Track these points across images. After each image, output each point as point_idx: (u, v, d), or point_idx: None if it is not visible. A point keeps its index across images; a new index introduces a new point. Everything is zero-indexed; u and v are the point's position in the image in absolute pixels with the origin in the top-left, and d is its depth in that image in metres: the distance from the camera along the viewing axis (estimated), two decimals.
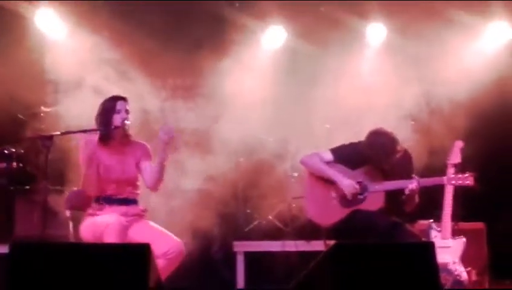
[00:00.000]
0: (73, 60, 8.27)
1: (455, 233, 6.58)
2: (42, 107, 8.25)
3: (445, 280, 6.33)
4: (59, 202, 6.57)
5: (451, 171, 6.40)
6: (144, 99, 6.17)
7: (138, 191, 5.94)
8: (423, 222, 6.95)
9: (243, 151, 8.39)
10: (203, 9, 8.63)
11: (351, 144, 6.31)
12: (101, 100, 5.90)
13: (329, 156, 6.25)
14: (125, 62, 7.99)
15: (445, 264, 6.38)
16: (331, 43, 8.41)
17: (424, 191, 6.06)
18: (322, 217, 6.23)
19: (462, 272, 6.42)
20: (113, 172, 5.81)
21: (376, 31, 8.88)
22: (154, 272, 4.47)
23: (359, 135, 6.37)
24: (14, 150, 8.00)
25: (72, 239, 5.91)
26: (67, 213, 6.03)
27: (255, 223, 8.52)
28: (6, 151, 7.98)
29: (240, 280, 7.90)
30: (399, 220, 5.95)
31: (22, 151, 8.04)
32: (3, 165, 7.95)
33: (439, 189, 6.44)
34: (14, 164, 7.99)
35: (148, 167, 5.87)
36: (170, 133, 5.67)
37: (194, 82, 8.73)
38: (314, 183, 6.30)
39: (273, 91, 8.60)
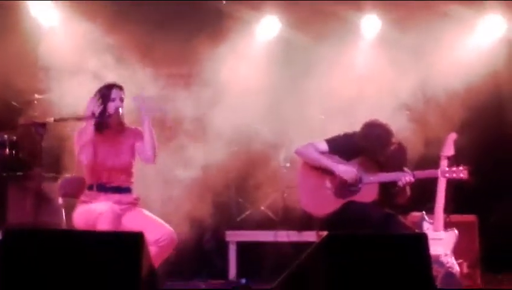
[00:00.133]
0: (67, 47, 8.25)
1: (447, 225, 6.60)
2: (36, 94, 8.22)
3: (437, 271, 6.35)
4: (52, 189, 6.57)
5: (444, 163, 6.41)
6: (139, 87, 6.15)
7: (132, 180, 5.94)
8: (416, 214, 6.97)
9: (236, 141, 8.37)
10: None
11: (346, 135, 6.31)
12: (95, 87, 5.89)
13: (324, 147, 6.25)
14: (119, 49, 7.95)
15: (437, 256, 6.40)
16: (325, 34, 8.39)
17: (416, 183, 6.08)
18: (315, 207, 6.24)
19: (453, 264, 6.45)
20: (107, 160, 5.81)
21: (371, 23, 8.86)
22: (147, 260, 4.47)
23: (353, 125, 6.37)
24: (7, 136, 7.97)
25: (64, 226, 5.90)
26: (60, 200, 6.02)
27: (247, 213, 8.52)
28: None
29: (232, 270, 7.91)
30: (392, 211, 5.97)
31: (15, 138, 8.01)
32: None
33: (432, 181, 6.45)
34: (7, 150, 7.95)
35: (142, 143, 5.88)
36: (145, 101, 5.79)
37: (188, 71, 8.70)
38: (308, 174, 6.30)
39: (267, 82, 8.57)
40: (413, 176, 6.00)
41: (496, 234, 7.97)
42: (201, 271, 7.91)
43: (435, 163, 6.38)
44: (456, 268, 6.42)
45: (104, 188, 5.78)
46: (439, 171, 6.22)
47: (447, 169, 6.19)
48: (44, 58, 8.23)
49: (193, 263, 7.83)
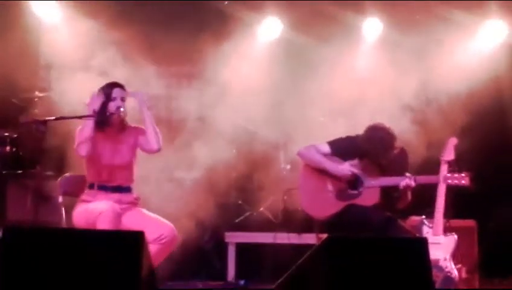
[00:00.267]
0: (69, 45, 8.23)
1: (447, 230, 6.59)
2: (37, 92, 8.21)
3: (436, 276, 6.33)
4: (52, 188, 6.56)
5: (444, 168, 6.40)
6: (142, 85, 6.17)
7: (132, 179, 5.95)
8: (415, 218, 6.96)
9: (236, 142, 8.37)
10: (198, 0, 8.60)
11: (349, 138, 6.32)
12: (97, 85, 5.89)
13: (326, 149, 6.25)
14: (122, 48, 7.94)
15: (436, 261, 6.38)
16: (327, 36, 8.40)
17: (416, 187, 6.09)
18: (316, 209, 6.24)
19: (452, 269, 6.43)
20: (107, 158, 5.82)
21: (372, 26, 8.86)
22: (147, 259, 4.46)
23: (354, 127, 6.38)
24: (7, 134, 7.98)
25: (64, 225, 5.89)
26: (60, 199, 6.01)
27: (246, 214, 8.50)
28: None
29: (231, 271, 7.90)
30: (392, 215, 5.97)
31: (16, 135, 8.01)
32: None
33: (432, 186, 6.45)
34: (8, 148, 7.96)
35: (145, 137, 5.90)
36: (140, 95, 5.89)
37: (190, 71, 8.70)
38: (309, 175, 6.30)
39: (268, 83, 8.57)
40: (415, 181, 6.00)
41: (495, 240, 7.97)
42: (200, 272, 7.90)
43: (435, 165, 6.37)
44: (455, 273, 6.41)
45: (104, 187, 5.79)
46: (440, 177, 6.22)
47: (448, 175, 6.19)
48: (46, 56, 8.22)
49: (192, 263, 7.81)
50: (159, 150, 5.92)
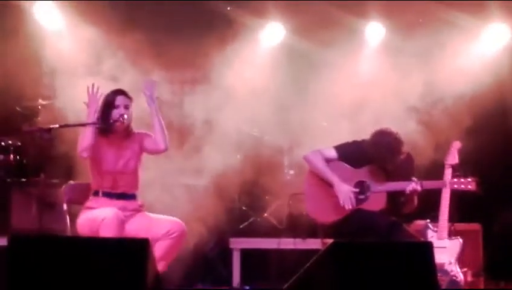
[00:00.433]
0: (72, 52, 8.24)
1: (452, 234, 6.58)
2: (40, 100, 8.22)
3: (441, 280, 6.33)
4: (57, 195, 6.56)
5: (448, 172, 6.40)
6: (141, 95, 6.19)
7: (137, 186, 5.96)
8: (420, 222, 6.96)
9: (240, 148, 8.37)
10: (201, 4, 8.59)
11: (355, 142, 6.30)
12: (101, 92, 5.88)
13: (332, 154, 6.24)
14: (125, 54, 7.95)
15: (442, 265, 6.38)
16: (329, 41, 8.40)
17: (421, 191, 6.07)
18: (322, 214, 6.22)
19: (457, 272, 6.43)
20: (111, 165, 5.84)
21: (375, 31, 8.87)
22: (152, 266, 4.47)
23: (358, 132, 6.37)
24: (11, 142, 7.98)
25: (69, 233, 5.90)
26: (65, 206, 6.01)
27: (250, 220, 8.50)
28: (3, 144, 7.96)
29: (236, 277, 7.90)
30: (397, 220, 5.97)
31: (19, 143, 8.02)
32: (0, 157, 7.93)
33: (436, 189, 6.44)
34: (12, 156, 7.97)
35: (151, 139, 5.93)
36: (152, 86, 5.90)
37: (193, 76, 8.69)
38: (315, 180, 6.27)
39: (271, 88, 8.57)
40: (421, 186, 6.00)
41: (500, 243, 7.97)
42: (205, 278, 7.90)
43: (440, 168, 6.38)
44: (461, 277, 6.41)
45: (109, 194, 5.80)
46: (447, 182, 6.22)
47: (455, 180, 6.19)
48: (49, 63, 8.22)
49: (197, 269, 7.81)
50: (166, 149, 5.94)
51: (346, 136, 6.68)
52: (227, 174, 8.04)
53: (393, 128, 6.21)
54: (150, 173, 6.55)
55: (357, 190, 6.10)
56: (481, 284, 7.41)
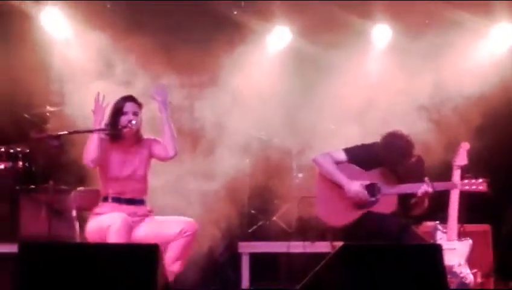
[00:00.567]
0: (79, 58, 8.27)
1: (461, 235, 6.57)
2: (48, 107, 8.25)
3: (451, 282, 6.31)
4: (66, 202, 6.57)
5: (457, 173, 6.39)
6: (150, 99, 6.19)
7: (146, 191, 5.98)
8: (429, 224, 6.95)
9: (248, 151, 8.38)
10: (208, 9, 8.60)
11: (365, 145, 6.30)
12: (110, 99, 5.90)
13: (342, 156, 6.23)
14: (131, 61, 7.97)
15: (451, 267, 6.37)
16: (336, 44, 8.41)
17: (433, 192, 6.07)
18: (333, 218, 6.20)
19: (467, 274, 6.41)
20: (120, 171, 5.85)
21: (381, 32, 8.87)
22: (162, 272, 4.48)
23: (365, 134, 6.36)
24: (19, 149, 8.00)
25: (78, 239, 5.91)
26: (74, 213, 6.03)
27: (259, 223, 8.50)
28: (11, 151, 7.98)
29: (245, 281, 7.90)
30: (407, 222, 5.96)
31: (28, 150, 8.04)
32: (9, 164, 7.95)
33: (445, 190, 6.43)
34: (20, 163, 7.99)
35: (160, 145, 5.95)
36: (164, 92, 5.91)
37: (199, 81, 8.69)
38: (325, 183, 6.25)
39: (279, 91, 8.58)
40: (433, 187, 5.99)
41: (510, 244, 7.95)
42: (214, 282, 7.90)
43: (449, 169, 6.37)
44: (470, 278, 6.39)
45: (117, 200, 5.81)
46: (458, 184, 6.21)
47: (466, 181, 6.17)
48: (58, 70, 8.24)
49: (206, 274, 7.81)
50: (175, 156, 5.95)
51: (355, 138, 6.69)
52: (236, 178, 8.05)
53: (403, 129, 6.21)
54: (160, 177, 6.56)
55: (375, 182, 6.09)
56: (491, 285, 7.39)
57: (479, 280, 6.83)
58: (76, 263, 4.18)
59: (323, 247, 7.35)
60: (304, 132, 8.40)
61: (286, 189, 8.35)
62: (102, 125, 5.77)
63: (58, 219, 7.14)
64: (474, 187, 6.11)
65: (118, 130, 5.82)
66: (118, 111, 5.86)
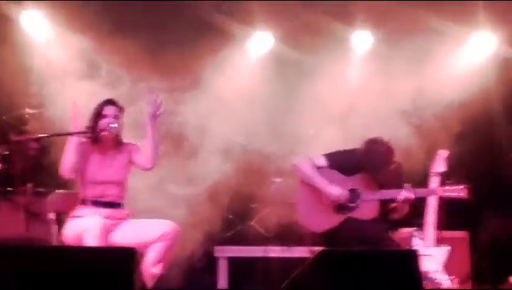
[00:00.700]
0: (60, 60, 8.23)
1: (438, 241, 6.60)
2: (27, 109, 8.20)
3: (427, 288, 6.33)
4: (43, 205, 6.55)
5: (435, 180, 6.43)
6: (134, 101, 6.16)
7: (125, 195, 5.96)
8: (405, 230, 6.97)
9: (227, 156, 8.37)
10: (189, 12, 8.59)
11: (346, 151, 6.32)
12: (90, 102, 5.89)
13: (322, 162, 6.25)
14: (113, 63, 7.95)
15: (428, 273, 6.40)
16: (317, 49, 8.42)
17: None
18: (314, 224, 6.21)
19: (443, 280, 6.44)
20: (99, 174, 5.83)
21: (362, 38, 8.89)
22: (138, 276, 4.47)
23: (346, 139, 6.37)
24: None
25: (55, 242, 5.88)
26: (51, 215, 6.00)
27: (238, 228, 8.50)
28: None
29: (222, 285, 7.87)
30: (385, 228, 5.99)
31: (7, 153, 7.99)
32: None
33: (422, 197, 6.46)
34: None
35: (140, 153, 5.92)
36: (156, 105, 5.79)
37: (180, 86, 8.68)
38: (307, 188, 6.27)
39: (260, 95, 8.58)
40: (414, 193, 6.01)
41: (487, 250, 7.99)
42: (192, 286, 7.88)
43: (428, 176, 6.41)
44: (446, 284, 6.42)
45: (95, 203, 5.78)
46: (438, 190, 6.24)
47: (447, 188, 6.21)
48: (38, 73, 8.19)
49: (186, 277, 7.80)
50: (152, 168, 5.93)
51: (335, 143, 6.69)
52: (218, 181, 8.04)
53: (383, 135, 6.24)
54: (137, 181, 6.54)
55: (355, 187, 6.11)
56: None
57: (456, 286, 6.88)
58: (52, 266, 4.15)
59: (301, 252, 7.35)
60: (285, 136, 8.40)
61: (265, 194, 8.34)
62: (83, 128, 5.75)
63: (35, 221, 7.11)
64: (455, 193, 6.14)
65: (97, 133, 5.80)
66: (98, 114, 5.84)
